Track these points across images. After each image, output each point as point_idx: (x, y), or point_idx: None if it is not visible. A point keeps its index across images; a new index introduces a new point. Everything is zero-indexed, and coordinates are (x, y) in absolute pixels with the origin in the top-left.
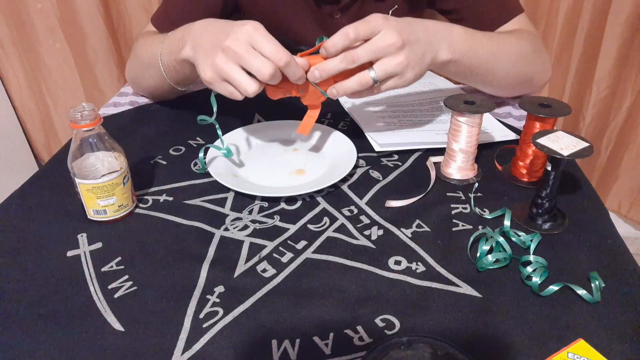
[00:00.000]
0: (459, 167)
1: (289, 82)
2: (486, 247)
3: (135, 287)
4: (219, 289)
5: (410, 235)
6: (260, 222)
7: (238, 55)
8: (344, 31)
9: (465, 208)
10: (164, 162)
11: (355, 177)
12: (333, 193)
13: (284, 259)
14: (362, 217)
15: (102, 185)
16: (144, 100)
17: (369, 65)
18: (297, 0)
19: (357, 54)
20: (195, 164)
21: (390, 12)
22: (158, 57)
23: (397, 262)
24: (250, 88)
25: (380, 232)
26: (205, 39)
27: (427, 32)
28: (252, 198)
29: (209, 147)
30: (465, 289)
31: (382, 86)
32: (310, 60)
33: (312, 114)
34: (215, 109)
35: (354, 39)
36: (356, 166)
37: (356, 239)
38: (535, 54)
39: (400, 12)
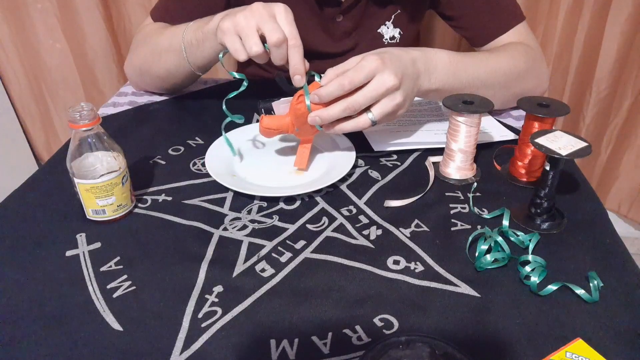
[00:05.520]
0: (457, 167)
1: (285, 123)
2: (485, 247)
3: (134, 287)
4: (218, 288)
5: (409, 235)
6: (259, 222)
7: (261, 16)
8: (341, 82)
9: (464, 208)
10: (163, 162)
11: (354, 177)
12: (332, 193)
13: (283, 259)
14: (361, 217)
15: (101, 185)
16: (143, 100)
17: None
18: (300, 2)
19: (358, 103)
20: (195, 164)
21: (393, 16)
22: (181, 36)
23: (396, 262)
24: (255, 47)
25: (379, 231)
26: (241, 7)
27: (413, 64)
28: (251, 198)
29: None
30: (464, 288)
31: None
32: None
33: (306, 147)
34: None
35: (350, 89)
36: (355, 166)
37: (355, 238)
38: (528, 72)
39: (402, 16)
